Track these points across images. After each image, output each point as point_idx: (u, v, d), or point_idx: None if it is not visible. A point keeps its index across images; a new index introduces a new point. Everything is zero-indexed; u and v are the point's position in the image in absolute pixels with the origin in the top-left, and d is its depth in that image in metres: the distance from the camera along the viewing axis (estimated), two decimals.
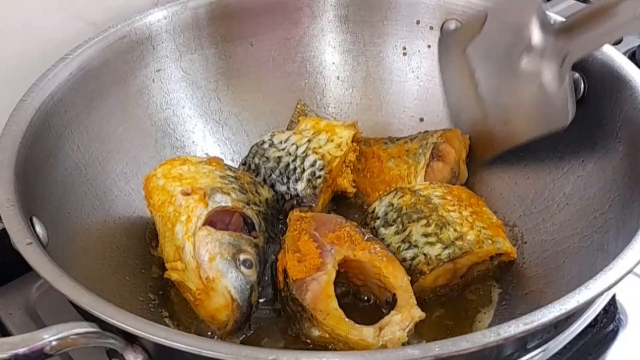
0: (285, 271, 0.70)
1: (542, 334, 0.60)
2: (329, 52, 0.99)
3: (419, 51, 0.97)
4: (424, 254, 0.75)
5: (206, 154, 0.93)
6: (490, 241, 0.76)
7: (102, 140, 0.83)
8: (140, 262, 0.80)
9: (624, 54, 0.89)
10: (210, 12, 0.93)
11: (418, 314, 0.68)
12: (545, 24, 0.77)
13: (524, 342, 0.59)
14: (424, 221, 0.76)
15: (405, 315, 0.68)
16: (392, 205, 0.80)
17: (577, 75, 0.82)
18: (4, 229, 0.63)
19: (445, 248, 0.74)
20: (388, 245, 0.77)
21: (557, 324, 0.59)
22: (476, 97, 0.85)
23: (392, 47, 0.98)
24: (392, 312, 0.68)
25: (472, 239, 0.75)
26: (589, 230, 0.76)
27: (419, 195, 0.79)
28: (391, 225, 0.78)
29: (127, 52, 0.88)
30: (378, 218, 0.80)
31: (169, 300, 0.78)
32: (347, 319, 0.67)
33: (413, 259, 0.75)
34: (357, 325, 0.67)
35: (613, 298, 0.79)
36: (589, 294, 0.57)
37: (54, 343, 0.55)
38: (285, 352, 0.58)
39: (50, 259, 0.61)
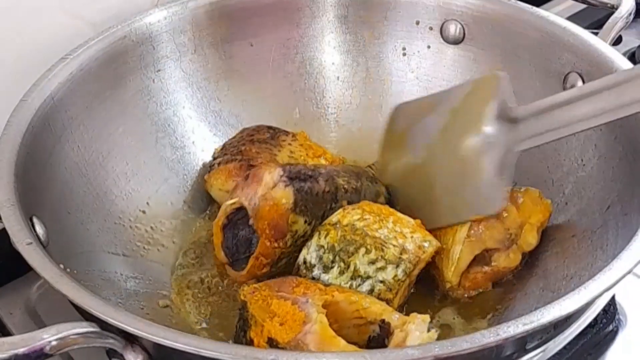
0: (271, 340, 0.65)
1: (541, 335, 0.60)
2: (329, 53, 0.99)
3: (418, 52, 0.97)
4: (381, 281, 0.73)
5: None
6: (427, 243, 0.75)
7: (102, 141, 0.83)
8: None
9: (624, 54, 0.89)
10: (210, 12, 0.93)
11: (422, 317, 0.66)
12: (503, 110, 0.74)
13: (524, 342, 0.59)
14: (363, 250, 0.73)
15: (416, 321, 0.66)
16: (323, 247, 0.75)
17: (575, 75, 0.82)
18: (4, 229, 0.63)
19: (396, 267, 0.73)
20: None
21: (556, 325, 0.59)
22: (410, 173, 0.82)
23: (391, 48, 0.98)
24: (396, 330, 0.66)
25: (412, 247, 0.74)
26: (588, 231, 0.76)
27: (342, 226, 0.75)
28: (331, 267, 0.74)
29: (127, 52, 0.88)
30: (314, 266, 0.75)
31: (169, 299, 0.78)
32: (365, 349, 0.65)
33: (371, 291, 0.72)
34: (380, 349, 0.63)
35: (613, 299, 0.79)
36: (588, 294, 0.57)
37: (54, 343, 0.55)
38: (285, 352, 0.58)
39: (50, 259, 0.61)
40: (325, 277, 0.74)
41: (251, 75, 0.97)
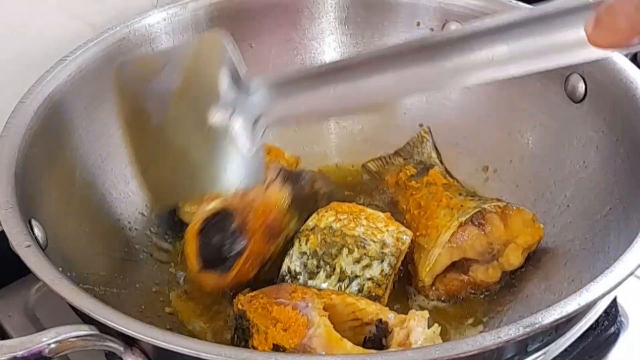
0: (276, 347, 0.65)
1: (542, 337, 0.60)
2: (329, 54, 0.99)
3: None
4: (369, 279, 0.73)
5: None
6: (403, 235, 0.76)
7: (102, 142, 0.83)
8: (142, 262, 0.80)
9: (626, 55, 0.89)
10: (210, 13, 0.93)
11: (421, 313, 0.67)
12: (235, 75, 0.67)
13: (525, 345, 0.59)
14: (346, 250, 0.74)
15: (417, 318, 0.66)
16: (305, 253, 0.75)
17: (577, 76, 0.82)
18: (3, 232, 0.63)
19: (381, 262, 0.73)
20: None
21: (558, 327, 0.58)
22: (156, 135, 0.70)
23: None
24: (396, 329, 0.67)
25: (391, 240, 0.74)
26: (590, 233, 0.75)
27: (320, 229, 0.75)
28: (317, 272, 0.74)
29: (126, 53, 0.87)
30: (299, 274, 0.75)
31: (169, 302, 0.78)
32: (371, 350, 0.65)
33: (360, 290, 0.73)
34: (381, 352, 0.65)
35: (614, 301, 0.78)
36: (590, 296, 0.57)
37: (52, 346, 0.55)
38: (285, 355, 0.58)
39: (49, 261, 0.61)
40: (312, 283, 0.74)
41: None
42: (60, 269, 0.61)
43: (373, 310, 0.68)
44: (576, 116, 0.82)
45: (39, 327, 0.79)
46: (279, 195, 0.76)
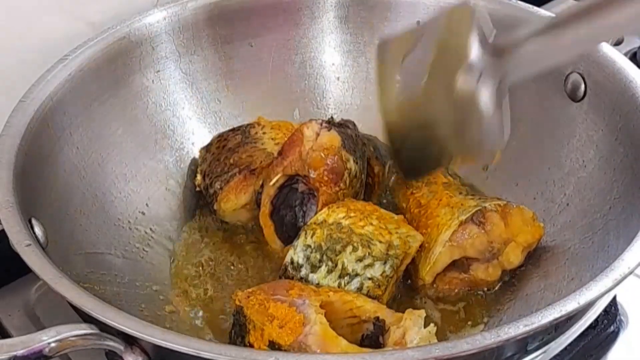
0: (272, 343, 0.65)
1: (542, 336, 0.60)
2: (329, 53, 0.99)
3: None
4: (369, 278, 0.73)
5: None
6: (411, 238, 0.76)
7: (101, 142, 0.83)
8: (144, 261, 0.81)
9: (625, 54, 0.89)
10: (210, 12, 0.93)
11: (418, 312, 0.66)
12: (483, 41, 0.70)
13: (525, 343, 0.59)
14: (350, 247, 0.73)
15: (413, 317, 0.65)
16: (310, 246, 0.75)
17: (576, 76, 0.82)
18: (3, 231, 0.63)
19: (384, 263, 0.73)
20: None
21: (557, 326, 0.59)
22: (409, 111, 0.77)
23: None
24: (392, 327, 0.66)
25: (398, 243, 0.74)
26: (589, 232, 0.75)
27: (328, 225, 0.75)
28: (319, 267, 0.74)
29: (126, 53, 0.87)
30: (301, 266, 0.75)
31: (169, 301, 0.78)
32: (367, 349, 0.65)
33: (360, 289, 0.72)
34: (380, 350, 0.64)
35: (614, 299, 0.78)
36: (589, 295, 0.57)
37: (53, 345, 0.55)
38: (285, 354, 0.58)
39: (49, 260, 0.61)
40: (313, 276, 0.74)
41: (251, 76, 0.97)
42: (61, 267, 0.62)
43: (371, 308, 0.68)
44: (576, 115, 0.82)
45: (39, 326, 0.79)
46: (330, 137, 0.78)
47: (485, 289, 0.79)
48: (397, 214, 0.80)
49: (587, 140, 0.81)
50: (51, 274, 0.60)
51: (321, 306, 0.66)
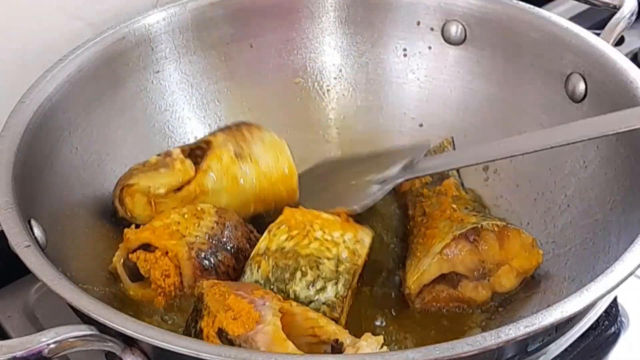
0: (221, 331, 0.64)
1: (543, 337, 0.60)
2: (329, 54, 0.99)
3: (419, 52, 0.97)
4: (324, 303, 0.71)
5: None
6: (359, 244, 0.75)
7: (101, 142, 0.83)
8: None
9: (626, 55, 0.89)
10: (210, 13, 0.93)
11: (376, 338, 0.64)
12: (407, 165, 0.85)
13: (525, 345, 0.59)
14: (299, 273, 0.72)
15: (369, 340, 0.64)
16: (257, 282, 0.73)
17: (577, 76, 0.82)
18: (2, 232, 0.63)
19: (336, 283, 0.72)
20: None
21: (558, 327, 0.58)
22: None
23: (392, 49, 0.98)
24: (348, 348, 0.65)
25: (346, 255, 0.74)
26: (590, 233, 0.75)
27: (272, 253, 0.74)
28: None
29: (125, 53, 0.87)
30: None
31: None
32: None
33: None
34: (380, 352, 0.63)
35: (615, 300, 0.78)
36: (590, 296, 0.57)
37: (52, 346, 0.55)
38: (284, 355, 0.58)
39: (49, 261, 0.61)
40: None
41: (251, 77, 0.97)
42: (60, 269, 0.61)
43: (332, 330, 0.67)
44: (576, 116, 0.82)
45: (39, 327, 0.79)
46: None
47: (476, 308, 0.77)
48: (405, 220, 0.82)
49: (587, 140, 0.81)
50: (50, 275, 0.60)
51: (281, 311, 0.65)
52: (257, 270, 0.73)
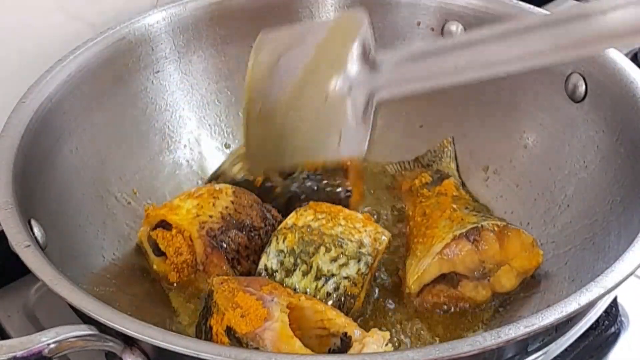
0: (229, 329, 0.65)
1: (543, 337, 0.60)
2: None
3: None
4: (346, 277, 0.73)
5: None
6: (382, 236, 0.76)
7: (101, 142, 0.83)
8: (139, 264, 0.80)
9: (626, 55, 0.89)
10: (210, 13, 0.93)
11: (382, 333, 0.66)
12: (364, 53, 0.69)
13: (525, 344, 0.59)
14: (323, 249, 0.74)
15: (376, 336, 0.65)
16: (282, 251, 0.74)
17: (577, 76, 0.82)
18: (2, 232, 0.63)
19: (358, 261, 0.73)
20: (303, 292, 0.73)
21: (558, 327, 0.58)
22: (272, 114, 0.72)
23: (392, 49, 0.98)
24: (355, 344, 0.65)
25: (369, 241, 0.75)
26: (590, 233, 0.75)
27: (298, 228, 0.75)
28: (294, 270, 0.74)
29: (126, 53, 0.87)
30: (276, 271, 0.74)
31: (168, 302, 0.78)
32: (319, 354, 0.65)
33: (337, 289, 0.72)
34: (380, 352, 0.63)
35: (615, 300, 0.78)
36: (590, 296, 0.57)
37: (52, 346, 0.55)
38: (284, 355, 0.58)
39: (49, 261, 0.61)
40: (288, 280, 0.74)
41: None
42: (60, 268, 0.61)
43: (341, 322, 0.67)
44: (576, 116, 0.82)
45: (39, 327, 0.79)
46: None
47: (476, 308, 0.77)
48: (404, 221, 0.81)
49: (587, 141, 0.81)
50: (50, 275, 0.60)
51: (289, 307, 0.66)
52: (283, 241, 0.75)
